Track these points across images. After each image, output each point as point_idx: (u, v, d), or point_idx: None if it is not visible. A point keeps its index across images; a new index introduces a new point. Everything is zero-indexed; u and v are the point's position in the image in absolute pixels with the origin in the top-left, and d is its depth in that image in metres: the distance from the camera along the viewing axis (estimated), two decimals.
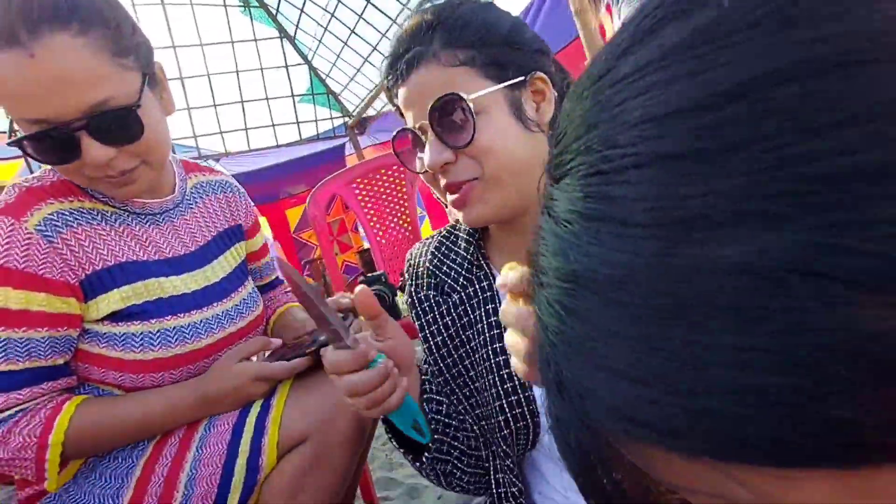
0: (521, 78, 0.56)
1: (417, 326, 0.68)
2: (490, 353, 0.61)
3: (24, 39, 0.58)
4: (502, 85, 0.55)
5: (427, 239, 0.72)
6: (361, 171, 1.69)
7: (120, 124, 0.65)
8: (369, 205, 1.74)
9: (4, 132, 3.64)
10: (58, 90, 0.60)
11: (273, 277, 1.06)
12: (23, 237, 0.66)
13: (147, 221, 0.79)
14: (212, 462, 0.71)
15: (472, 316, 0.64)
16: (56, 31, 0.59)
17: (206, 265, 0.84)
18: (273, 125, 4.42)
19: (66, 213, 0.71)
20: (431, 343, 0.66)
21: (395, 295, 1.18)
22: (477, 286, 0.64)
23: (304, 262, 3.41)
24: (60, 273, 0.68)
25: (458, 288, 0.65)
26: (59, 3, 0.60)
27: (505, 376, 0.59)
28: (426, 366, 0.69)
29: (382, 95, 4.26)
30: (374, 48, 3.81)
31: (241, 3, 3.72)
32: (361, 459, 0.82)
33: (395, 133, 0.61)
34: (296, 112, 4.46)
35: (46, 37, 0.59)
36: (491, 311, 0.62)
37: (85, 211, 0.73)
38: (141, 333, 0.72)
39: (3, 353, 0.66)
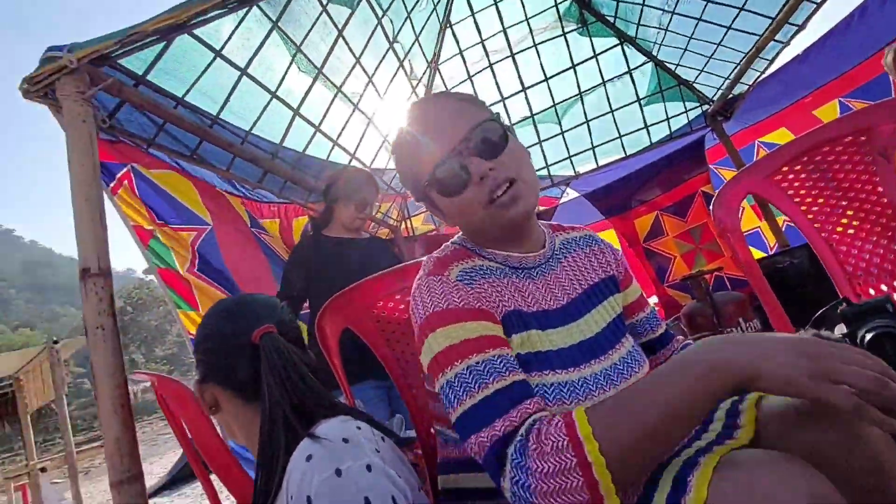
0: None
1: None
2: None
3: (429, 97, 0.90)
4: None
5: None
6: (789, 155, 1.25)
7: (488, 135, 0.82)
8: (800, 193, 1.28)
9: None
10: (451, 118, 0.83)
11: (661, 332, 0.99)
12: (451, 285, 0.80)
13: (524, 275, 0.87)
14: None
15: None
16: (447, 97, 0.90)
17: (580, 318, 0.85)
18: (620, 136, 4.25)
19: (469, 269, 0.83)
20: None
21: None
22: None
23: (684, 278, 3.01)
24: (488, 306, 0.78)
25: None
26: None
27: None
28: None
29: (753, 66, 3.48)
30: (739, 11, 3.15)
31: (578, 24, 3.75)
32: None
33: None
34: (643, 116, 4.15)
35: (443, 96, 0.89)
36: None
37: (478, 268, 0.84)
38: None
39: (489, 375, 0.69)
